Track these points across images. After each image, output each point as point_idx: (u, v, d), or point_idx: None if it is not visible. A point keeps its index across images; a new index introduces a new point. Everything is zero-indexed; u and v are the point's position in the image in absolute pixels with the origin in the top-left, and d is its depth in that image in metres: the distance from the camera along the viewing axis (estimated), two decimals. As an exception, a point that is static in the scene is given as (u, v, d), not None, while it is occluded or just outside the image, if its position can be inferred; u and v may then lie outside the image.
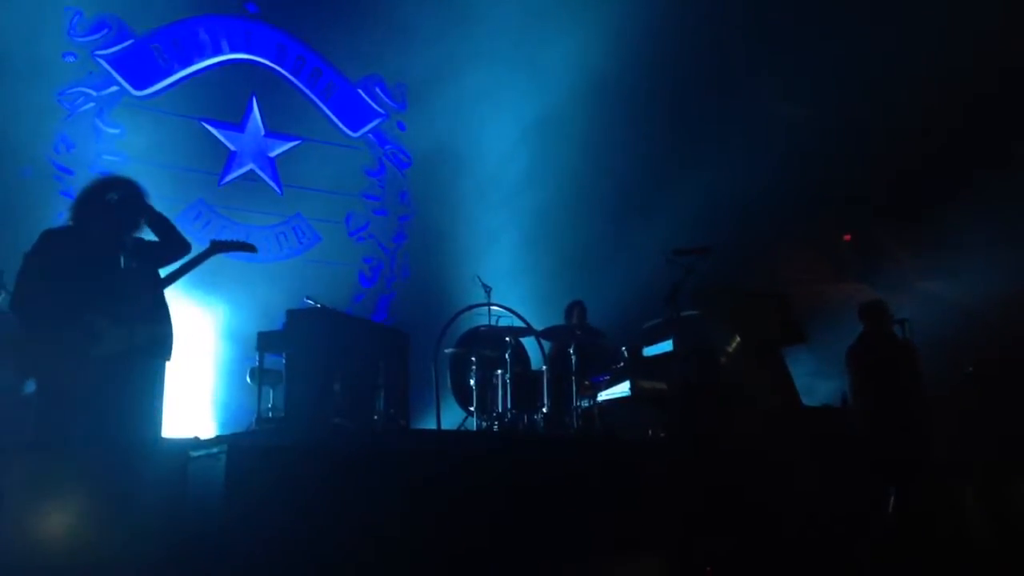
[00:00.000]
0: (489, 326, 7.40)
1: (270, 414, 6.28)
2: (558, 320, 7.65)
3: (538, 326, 7.48)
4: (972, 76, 8.78)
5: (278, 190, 8.98)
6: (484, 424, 6.72)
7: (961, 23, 8.60)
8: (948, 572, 5.35)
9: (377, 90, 9.69)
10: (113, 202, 3.77)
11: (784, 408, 5.88)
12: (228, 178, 8.71)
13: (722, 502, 5.06)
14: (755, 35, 9.70)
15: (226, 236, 7.88)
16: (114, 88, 8.18)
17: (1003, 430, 7.12)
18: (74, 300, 3.53)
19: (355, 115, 9.55)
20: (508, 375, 6.75)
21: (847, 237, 10.65)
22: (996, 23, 8.68)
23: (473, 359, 6.88)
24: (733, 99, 9.89)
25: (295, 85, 9.19)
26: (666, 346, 6.32)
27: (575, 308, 7.67)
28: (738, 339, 6.12)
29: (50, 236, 3.69)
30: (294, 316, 5.82)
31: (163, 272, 4.14)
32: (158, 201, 7.46)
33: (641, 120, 9.42)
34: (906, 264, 10.17)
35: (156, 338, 3.89)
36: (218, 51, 8.77)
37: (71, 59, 8.00)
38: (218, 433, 6.46)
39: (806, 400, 6.42)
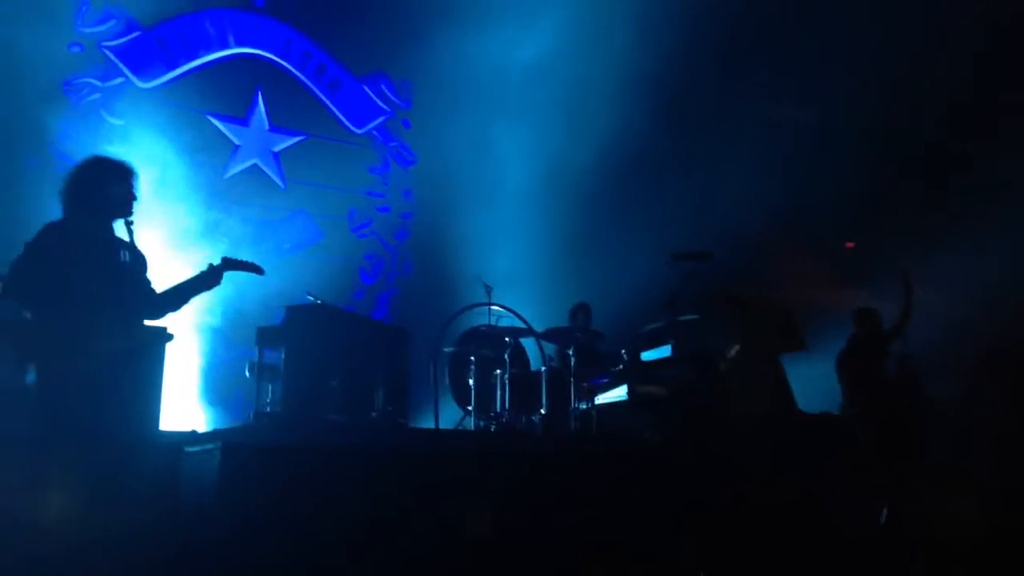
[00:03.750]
0: (489, 326, 7.39)
1: (268, 409, 6.28)
2: (559, 321, 7.64)
3: (539, 327, 7.47)
4: (972, 77, 8.80)
5: (281, 185, 8.98)
6: (482, 424, 6.72)
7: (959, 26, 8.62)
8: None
9: (383, 87, 9.69)
10: (109, 194, 3.74)
11: (781, 414, 5.89)
12: (231, 172, 8.70)
13: (717, 507, 5.07)
14: (755, 39, 9.68)
15: (227, 229, 7.93)
16: (119, 80, 8.17)
17: (997, 435, 7.13)
18: (75, 294, 3.51)
19: (360, 111, 9.54)
20: (507, 375, 6.75)
21: (850, 244, 10.63)
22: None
23: (472, 358, 6.88)
24: (735, 103, 9.88)
25: (301, 80, 9.19)
26: (665, 350, 6.32)
27: (580, 310, 7.65)
28: (737, 345, 6.13)
29: (51, 229, 3.68)
30: (293, 312, 5.81)
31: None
32: (162, 195, 7.52)
33: (645, 123, 9.40)
34: (908, 269, 10.16)
35: (154, 332, 3.90)
36: (224, 45, 8.76)
37: (77, 50, 8.00)
38: (215, 427, 6.48)
39: (804, 407, 6.42)
